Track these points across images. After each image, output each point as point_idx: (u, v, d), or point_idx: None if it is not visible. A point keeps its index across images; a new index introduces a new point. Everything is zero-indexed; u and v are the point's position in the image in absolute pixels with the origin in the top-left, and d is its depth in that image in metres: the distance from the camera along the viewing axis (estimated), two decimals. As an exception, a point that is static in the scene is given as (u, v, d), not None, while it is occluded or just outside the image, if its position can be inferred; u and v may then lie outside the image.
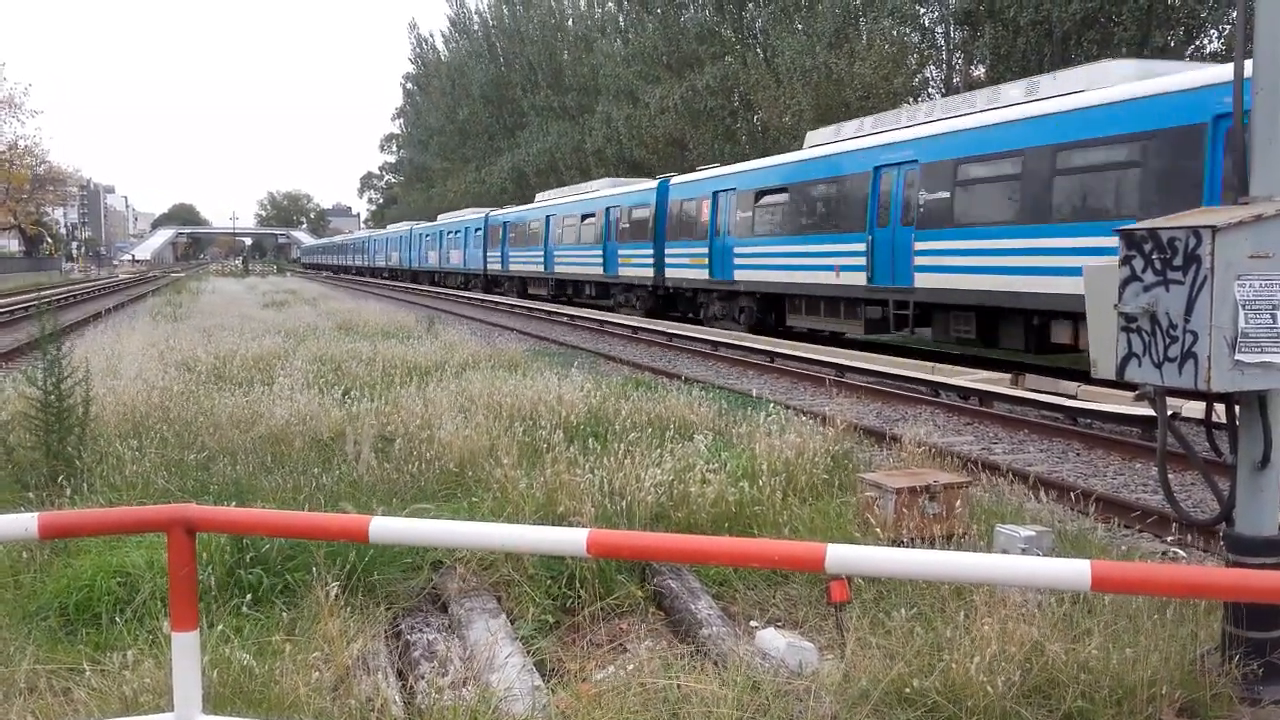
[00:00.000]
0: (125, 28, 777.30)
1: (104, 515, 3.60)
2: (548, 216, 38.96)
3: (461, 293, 48.97)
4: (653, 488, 6.44)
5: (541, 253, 39.64)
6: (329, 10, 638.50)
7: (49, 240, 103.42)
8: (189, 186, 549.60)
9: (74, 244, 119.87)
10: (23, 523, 3.06)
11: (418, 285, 59.54)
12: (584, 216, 35.52)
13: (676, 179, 29.57)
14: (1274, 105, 4.33)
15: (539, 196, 43.99)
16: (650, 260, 29.59)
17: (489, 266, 47.55)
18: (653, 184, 30.41)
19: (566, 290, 39.06)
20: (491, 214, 48.34)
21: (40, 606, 5.14)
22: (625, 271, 31.60)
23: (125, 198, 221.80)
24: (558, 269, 38.25)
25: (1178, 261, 4.30)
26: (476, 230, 49.27)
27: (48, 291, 45.04)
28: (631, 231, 31.08)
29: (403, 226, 72.17)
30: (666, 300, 30.25)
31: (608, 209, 33.09)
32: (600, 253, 33.35)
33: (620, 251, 31.91)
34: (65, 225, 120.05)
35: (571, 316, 30.83)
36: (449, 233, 55.42)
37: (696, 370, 17.90)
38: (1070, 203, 15.07)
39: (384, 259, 75.78)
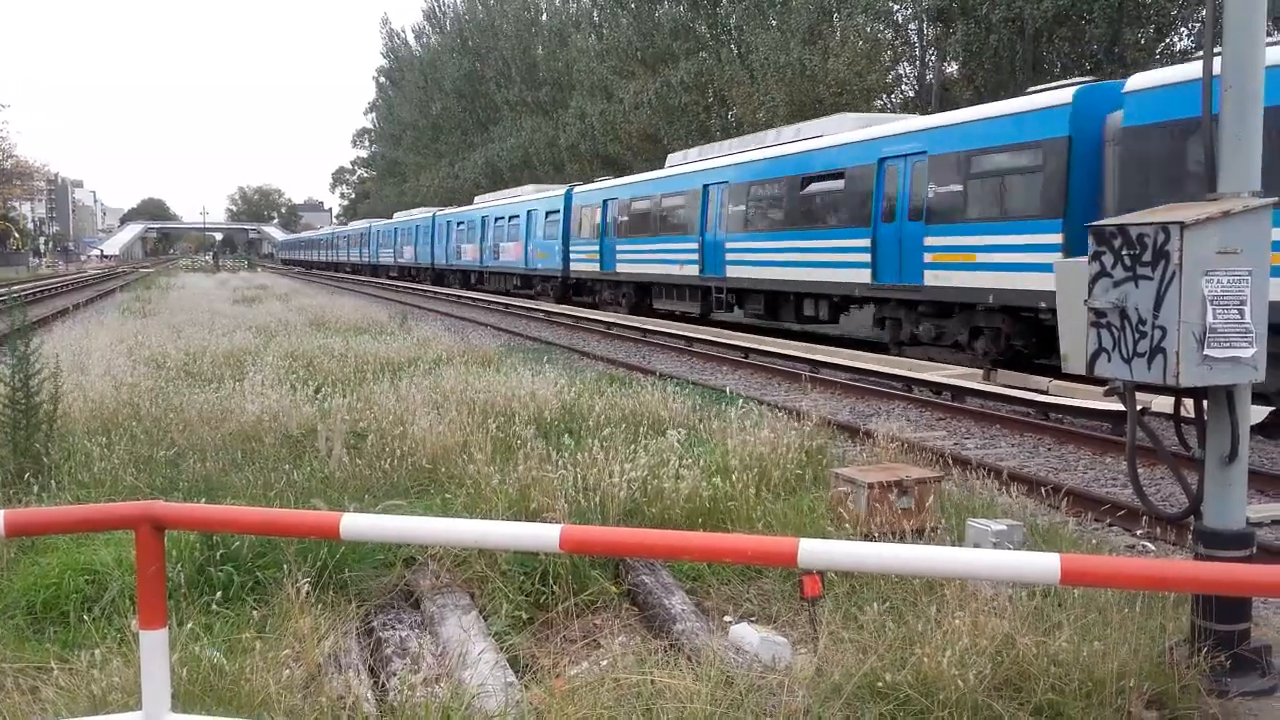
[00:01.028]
0: (94, 21, 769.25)
1: (71, 513, 3.56)
2: (706, 187, 24.84)
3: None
4: (626, 483, 6.44)
5: (694, 245, 25.12)
6: (301, 4, 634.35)
7: (16, 235, 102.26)
8: (158, 181, 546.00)
9: (42, 239, 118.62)
10: (-13, 520, 3.02)
11: (403, 283, 58.41)
12: (808, 181, 20.59)
13: (1142, 79, 13.70)
14: (1242, 104, 4.37)
15: (673, 159, 29.50)
16: (1054, 250, 14.51)
17: (572, 266, 33.57)
18: (1048, 100, 15.13)
19: (751, 305, 23.47)
20: (578, 190, 34.27)
21: (7, 605, 5.09)
22: (943, 279, 16.67)
23: (94, 192, 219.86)
24: (736, 271, 23.22)
25: (1147, 257, 4.33)
26: (551, 215, 35.31)
27: (15, 287, 44.55)
28: (978, 198, 16.06)
29: (420, 214, 57.89)
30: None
31: (882, 160, 18.28)
32: (866, 242, 18.50)
33: (930, 239, 16.92)
34: (33, 220, 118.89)
35: (547, 312, 30.69)
36: (498, 220, 41.39)
37: (671, 366, 17.91)
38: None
39: (391, 255, 62.13)
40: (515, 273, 39.73)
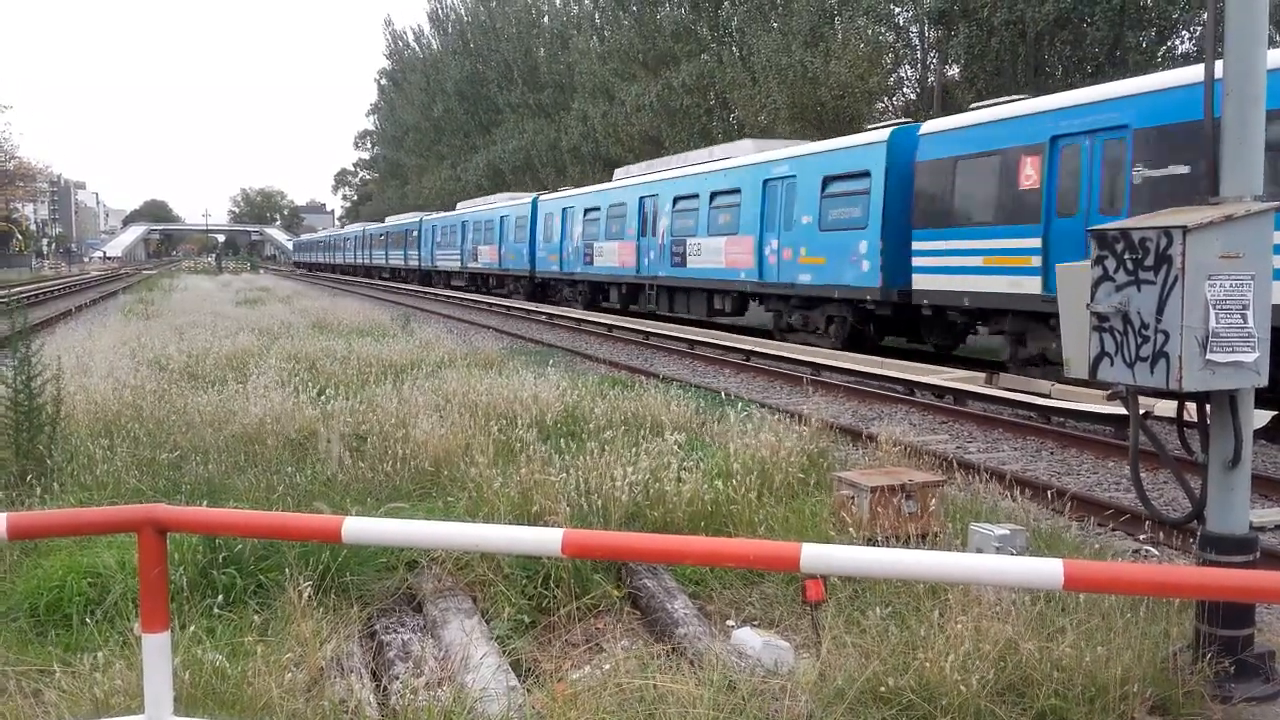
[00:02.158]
0: (98, 22, 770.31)
1: (74, 515, 3.56)
2: None
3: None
4: (628, 487, 6.43)
5: None
6: (303, 5, 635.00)
7: (19, 237, 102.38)
8: (161, 182, 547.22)
9: (44, 241, 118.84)
10: (-10, 524, 3.02)
11: (398, 284, 58.34)
12: None
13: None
14: (1243, 108, 4.36)
15: None
16: None
17: (916, 281, 17.34)
18: None
19: None
20: (931, 129, 17.35)
21: (10, 607, 5.09)
22: None
23: (96, 194, 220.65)
24: None
25: (1149, 261, 4.33)
26: (835, 183, 19.38)
27: (17, 289, 44.59)
28: None
29: (504, 201, 42.36)
30: None
31: None
32: None
33: None
34: (35, 222, 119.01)
35: (549, 315, 30.65)
36: (682, 200, 25.75)
37: (673, 369, 17.90)
38: None
39: (458, 258, 47.02)
40: (724, 288, 23.74)
